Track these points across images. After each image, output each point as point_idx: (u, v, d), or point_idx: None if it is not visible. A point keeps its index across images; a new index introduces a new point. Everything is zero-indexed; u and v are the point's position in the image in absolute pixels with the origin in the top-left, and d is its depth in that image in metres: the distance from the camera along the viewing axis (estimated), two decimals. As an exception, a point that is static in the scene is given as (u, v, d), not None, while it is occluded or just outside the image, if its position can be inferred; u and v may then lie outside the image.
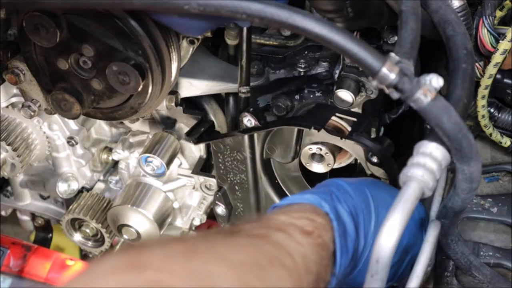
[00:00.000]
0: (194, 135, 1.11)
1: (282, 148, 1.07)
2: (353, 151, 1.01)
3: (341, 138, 0.96)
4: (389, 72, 0.66)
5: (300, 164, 1.09)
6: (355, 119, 0.98)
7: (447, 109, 0.67)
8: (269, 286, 0.62)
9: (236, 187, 1.16)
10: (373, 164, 0.97)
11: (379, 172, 0.99)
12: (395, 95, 0.67)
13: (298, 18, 0.69)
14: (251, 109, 1.05)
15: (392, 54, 0.68)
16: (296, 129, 1.02)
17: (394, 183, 0.95)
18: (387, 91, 0.68)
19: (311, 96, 1.08)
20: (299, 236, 0.70)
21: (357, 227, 0.78)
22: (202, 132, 1.12)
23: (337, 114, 1.00)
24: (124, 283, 0.53)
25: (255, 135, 1.05)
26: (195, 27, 0.89)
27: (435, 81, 0.67)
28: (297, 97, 1.09)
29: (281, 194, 1.15)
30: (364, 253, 0.79)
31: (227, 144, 1.09)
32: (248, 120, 1.04)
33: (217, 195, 1.17)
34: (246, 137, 1.06)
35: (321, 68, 1.09)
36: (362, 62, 0.68)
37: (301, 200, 0.78)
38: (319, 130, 0.97)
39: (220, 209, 1.19)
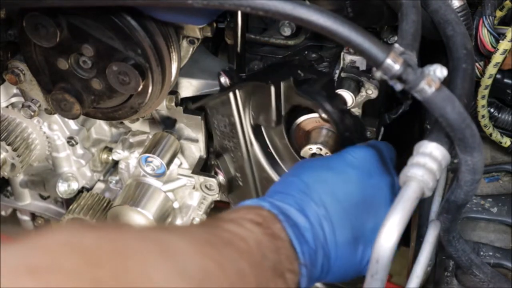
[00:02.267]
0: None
1: (264, 112, 1.07)
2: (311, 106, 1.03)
3: (297, 93, 0.98)
4: (393, 63, 0.66)
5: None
6: (315, 76, 1.00)
7: (451, 99, 0.67)
8: (226, 260, 0.61)
9: (232, 154, 1.17)
10: (324, 120, 1.00)
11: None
12: (398, 86, 0.67)
13: (302, 10, 0.69)
14: (226, 69, 1.06)
15: (396, 45, 0.68)
16: (272, 90, 1.02)
17: (343, 139, 0.98)
18: (390, 82, 0.68)
19: None
20: (250, 225, 0.70)
21: (307, 217, 0.77)
22: (197, 96, 1.14)
23: (298, 72, 1.01)
24: (76, 238, 0.51)
25: (239, 98, 1.06)
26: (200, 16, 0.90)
27: (439, 71, 0.67)
28: None
29: (273, 163, 1.15)
30: (328, 239, 0.78)
31: (218, 109, 1.10)
32: (224, 79, 1.06)
33: (215, 163, 1.18)
34: (232, 100, 1.07)
35: (321, 68, 1.09)
36: (366, 53, 0.68)
37: (242, 204, 0.79)
38: (271, 86, 0.98)
39: (221, 178, 1.20)
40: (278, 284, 0.68)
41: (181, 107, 1.14)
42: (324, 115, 0.99)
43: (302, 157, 1.09)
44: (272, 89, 1.01)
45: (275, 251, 0.70)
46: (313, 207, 0.79)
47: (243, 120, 1.10)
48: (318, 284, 1.24)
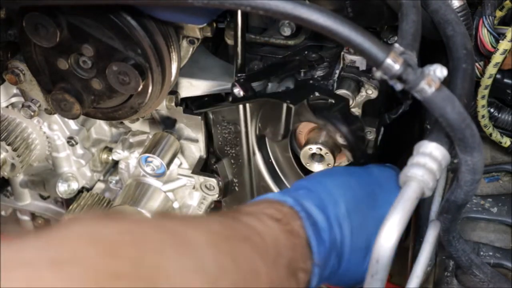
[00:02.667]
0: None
1: (273, 125, 1.07)
2: (327, 130, 1.02)
3: (315, 116, 0.98)
4: (393, 63, 0.66)
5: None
6: (333, 100, 0.99)
7: (451, 99, 0.67)
8: (241, 256, 0.61)
9: (232, 161, 1.17)
10: (341, 145, 0.99)
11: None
12: (398, 86, 0.67)
13: (303, 9, 0.69)
14: (241, 80, 1.05)
15: (396, 45, 0.68)
16: (284, 106, 1.03)
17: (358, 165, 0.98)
18: (390, 82, 0.68)
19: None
20: (269, 221, 0.70)
21: (328, 217, 0.77)
22: (204, 101, 1.14)
23: (316, 93, 1.00)
24: (97, 229, 0.52)
25: (248, 108, 1.06)
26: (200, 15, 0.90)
27: (439, 71, 0.67)
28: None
29: (273, 174, 1.16)
30: (344, 242, 0.78)
31: (223, 116, 1.10)
32: (238, 91, 1.05)
33: (215, 167, 1.18)
34: (240, 109, 1.07)
35: (321, 68, 1.09)
36: (366, 52, 0.68)
37: (265, 197, 0.79)
38: (294, 105, 0.98)
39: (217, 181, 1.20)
40: (291, 284, 0.68)
41: (181, 107, 1.14)
42: (340, 141, 0.99)
43: (302, 172, 1.10)
44: (284, 105, 1.02)
45: (291, 248, 0.70)
46: (335, 209, 0.79)
47: (249, 129, 1.10)
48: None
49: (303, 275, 0.71)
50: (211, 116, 1.13)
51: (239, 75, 1.05)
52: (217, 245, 0.59)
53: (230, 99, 1.08)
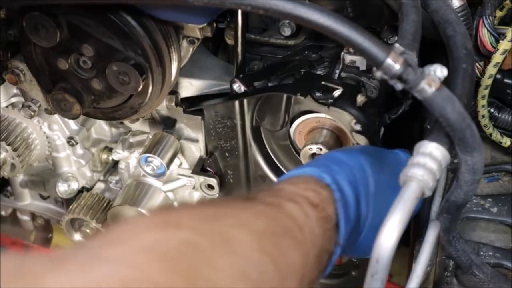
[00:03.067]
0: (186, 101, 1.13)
1: (271, 116, 1.07)
2: (338, 119, 1.02)
3: (328, 107, 0.97)
4: (393, 63, 0.66)
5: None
6: (341, 88, 0.99)
7: (451, 99, 0.67)
8: (281, 255, 0.64)
9: (227, 154, 1.17)
10: (357, 132, 0.98)
11: (363, 141, 1.01)
12: (399, 86, 0.67)
13: (303, 9, 0.69)
14: (241, 76, 1.05)
15: (397, 45, 0.68)
16: (284, 97, 1.03)
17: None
18: (391, 82, 0.68)
19: None
20: (308, 207, 0.72)
21: (357, 195, 0.79)
22: (195, 98, 1.13)
23: (323, 82, 1.00)
24: (160, 240, 0.54)
25: (245, 102, 1.06)
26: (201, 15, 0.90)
27: (439, 71, 0.67)
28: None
29: (270, 163, 1.17)
30: (367, 219, 0.80)
31: (218, 111, 1.10)
32: (238, 86, 1.05)
33: (208, 161, 1.18)
34: (236, 103, 1.07)
35: (321, 68, 1.09)
36: (366, 52, 0.68)
37: (303, 173, 0.79)
38: (305, 97, 0.98)
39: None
40: (316, 270, 0.71)
41: (181, 107, 1.14)
42: (357, 128, 0.98)
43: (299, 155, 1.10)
44: (284, 96, 1.02)
45: (322, 235, 0.71)
46: (365, 187, 0.80)
47: (246, 122, 1.10)
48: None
49: (325, 257, 0.73)
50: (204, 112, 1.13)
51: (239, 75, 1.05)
52: (262, 246, 0.62)
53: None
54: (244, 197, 0.74)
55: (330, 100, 0.96)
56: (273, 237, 0.65)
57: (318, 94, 0.97)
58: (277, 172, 1.17)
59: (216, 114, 1.11)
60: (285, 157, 1.16)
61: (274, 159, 1.17)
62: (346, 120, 0.99)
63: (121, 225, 0.58)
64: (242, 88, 1.04)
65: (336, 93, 0.98)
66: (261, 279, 0.60)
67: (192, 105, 1.13)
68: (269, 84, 1.10)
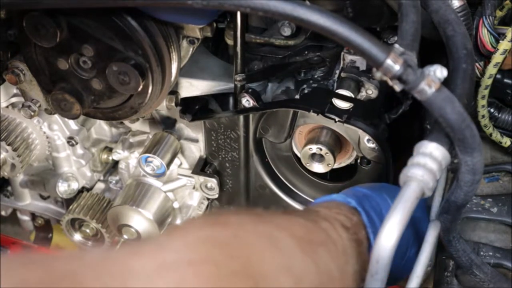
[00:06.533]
0: (189, 113, 1.13)
1: (276, 129, 1.08)
2: (347, 135, 1.02)
3: (343, 123, 0.98)
4: (393, 63, 0.66)
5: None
6: (351, 104, 1.00)
7: (451, 100, 0.67)
8: (320, 260, 0.67)
9: (227, 164, 1.17)
10: (370, 148, 1.00)
11: (371, 155, 1.02)
12: (399, 87, 0.67)
13: (302, 10, 0.69)
14: (250, 90, 1.05)
15: (396, 46, 0.68)
16: (291, 110, 1.03)
17: (388, 167, 1.01)
18: (390, 82, 0.68)
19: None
20: (340, 229, 0.75)
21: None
22: (197, 109, 1.13)
23: (334, 99, 1.01)
24: (214, 232, 0.62)
25: (251, 115, 1.07)
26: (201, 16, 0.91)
27: (439, 72, 0.67)
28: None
29: (271, 173, 1.17)
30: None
31: (221, 123, 1.11)
32: (247, 101, 1.05)
33: (207, 171, 1.18)
34: (241, 116, 1.07)
35: (321, 68, 1.09)
36: (366, 53, 0.68)
37: (332, 199, 0.84)
38: (318, 114, 0.99)
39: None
40: None
41: (181, 107, 1.14)
42: (370, 145, 1.00)
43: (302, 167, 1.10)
44: (291, 110, 1.02)
45: (356, 256, 0.74)
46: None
47: (250, 134, 1.10)
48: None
49: (359, 278, 0.75)
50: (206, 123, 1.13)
51: (239, 75, 1.05)
52: (302, 247, 0.66)
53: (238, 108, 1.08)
54: (281, 211, 0.79)
55: (344, 116, 0.98)
56: (311, 243, 0.68)
57: (329, 110, 0.99)
58: (277, 182, 1.18)
59: (219, 126, 1.11)
60: (286, 168, 1.17)
61: (274, 169, 1.17)
62: (354, 133, 1.00)
63: (177, 227, 0.67)
64: (251, 103, 1.04)
65: (346, 108, 0.99)
66: (304, 276, 0.63)
67: (196, 118, 1.13)
68: (269, 85, 1.10)
